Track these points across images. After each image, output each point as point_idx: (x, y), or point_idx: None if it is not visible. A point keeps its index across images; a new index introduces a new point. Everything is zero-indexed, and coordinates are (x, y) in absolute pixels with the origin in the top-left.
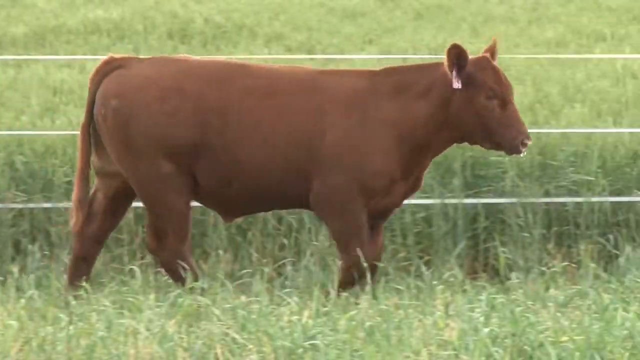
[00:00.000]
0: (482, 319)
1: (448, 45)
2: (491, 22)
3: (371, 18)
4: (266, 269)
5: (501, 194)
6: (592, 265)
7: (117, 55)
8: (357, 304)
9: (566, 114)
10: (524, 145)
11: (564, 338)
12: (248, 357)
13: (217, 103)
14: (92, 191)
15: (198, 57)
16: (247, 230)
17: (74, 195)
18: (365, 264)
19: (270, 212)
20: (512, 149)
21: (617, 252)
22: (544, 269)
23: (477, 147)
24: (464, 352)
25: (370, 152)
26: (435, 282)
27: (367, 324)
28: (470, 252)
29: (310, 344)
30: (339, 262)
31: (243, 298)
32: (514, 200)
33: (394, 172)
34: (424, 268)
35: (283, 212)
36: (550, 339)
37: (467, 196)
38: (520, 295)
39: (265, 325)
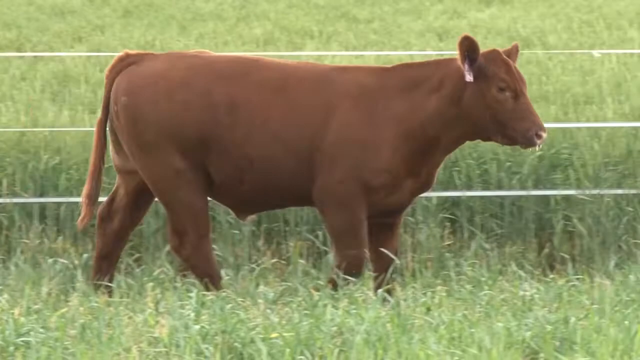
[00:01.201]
0: (192, 315)
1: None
2: (200, 20)
3: (80, 15)
4: None
5: None
6: (302, 261)
7: (131, 52)
8: (67, 301)
9: None
10: (539, 137)
11: (274, 334)
12: None
13: (226, 98)
14: (113, 188)
15: (213, 53)
16: None
17: (84, 191)
18: (363, 261)
19: None
20: (527, 141)
21: (326, 249)
22: (253, 265)
23: None
24: (174, 349)
25: (374, 148)
26: (145, 279)
27: (79, 321)
28: None
29: (22, 342)
30: (332, 259)
31: None
32: None
33: (397, 169)
34: (134, 265)
35: None
36: (260, 335)
37: None
38: (230, 292)
39: None
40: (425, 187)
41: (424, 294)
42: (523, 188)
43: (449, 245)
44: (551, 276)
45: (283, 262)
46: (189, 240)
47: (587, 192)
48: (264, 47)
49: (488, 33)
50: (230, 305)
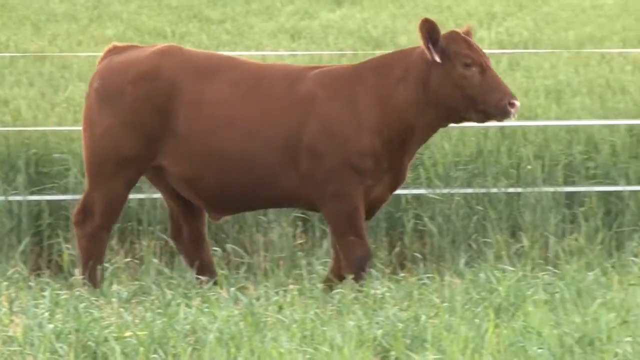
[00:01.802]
0: (46, 314)
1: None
2: (53, 20)
3: None
4: None
5: (65, 191)
6: (155, 261)
7: (119, 44)
8: None
9: None
10: (512, 105)
11: (128, 333)
12: None
13: (194, 93)
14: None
15: (201, 50)
16: None
17: None
18: (368, 260)
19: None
20: (500, 112)
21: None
22: (107, 264)
23: (42, 144)
24: (29, 349)
25: (356, 133)
26: None
27: None
28: (35, 249)
29: None
30: (341, 254)
31: None
32: (77, 197)
33: (379, 155)
34: None
35: None
36: (114, 334)
37: (32, 193)
38: (84, 291)
39: None
40: (401, 181)
41: (277, 292)
42: None
43: (301, 244)
44: (402, 274)
45: (136, 261)
46: (92, 223)
47: (438, 191)
48: None
49: (339, 33)
50: (83, 305)
